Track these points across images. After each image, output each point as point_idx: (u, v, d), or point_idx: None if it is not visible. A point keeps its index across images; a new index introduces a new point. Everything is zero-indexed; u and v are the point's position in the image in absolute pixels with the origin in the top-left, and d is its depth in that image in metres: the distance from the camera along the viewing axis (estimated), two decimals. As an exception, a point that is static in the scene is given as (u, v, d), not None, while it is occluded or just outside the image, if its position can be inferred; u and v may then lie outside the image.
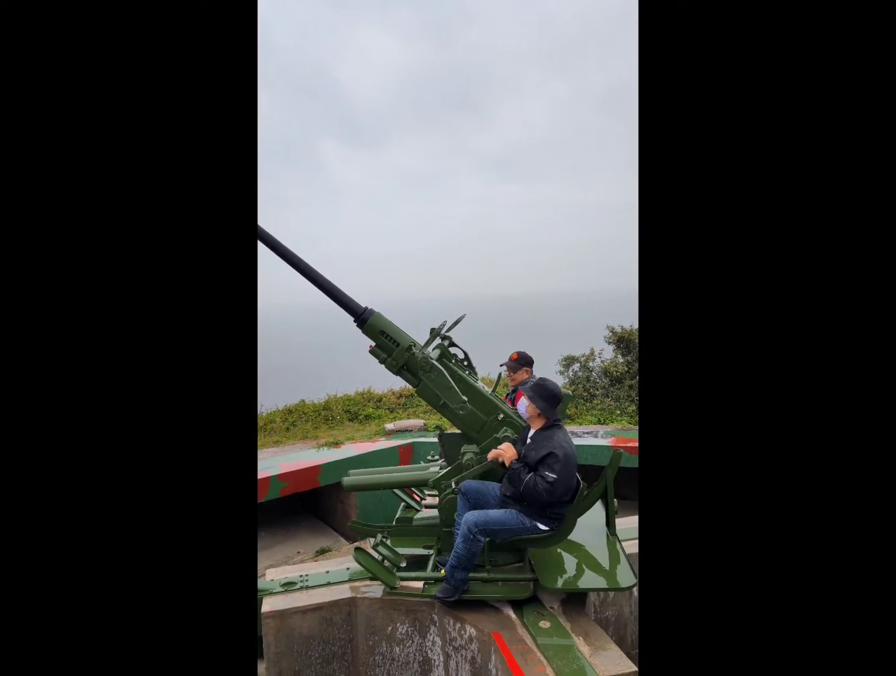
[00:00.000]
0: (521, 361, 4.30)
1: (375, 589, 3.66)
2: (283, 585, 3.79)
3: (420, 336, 3.85)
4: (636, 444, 5.78)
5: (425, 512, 4.34)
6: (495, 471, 3.47)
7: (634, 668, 2.83)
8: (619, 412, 9.08)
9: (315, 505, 7.32)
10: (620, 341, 10.65)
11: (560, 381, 10.37)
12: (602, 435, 7.38)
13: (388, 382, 10.59)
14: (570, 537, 3.46)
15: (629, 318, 10.00)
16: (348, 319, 3.89)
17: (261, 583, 3.84)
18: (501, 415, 3.62)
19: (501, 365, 4.41)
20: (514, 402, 4.05)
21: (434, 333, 3.78)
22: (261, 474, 6.17)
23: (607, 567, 3.49)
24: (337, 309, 3.88)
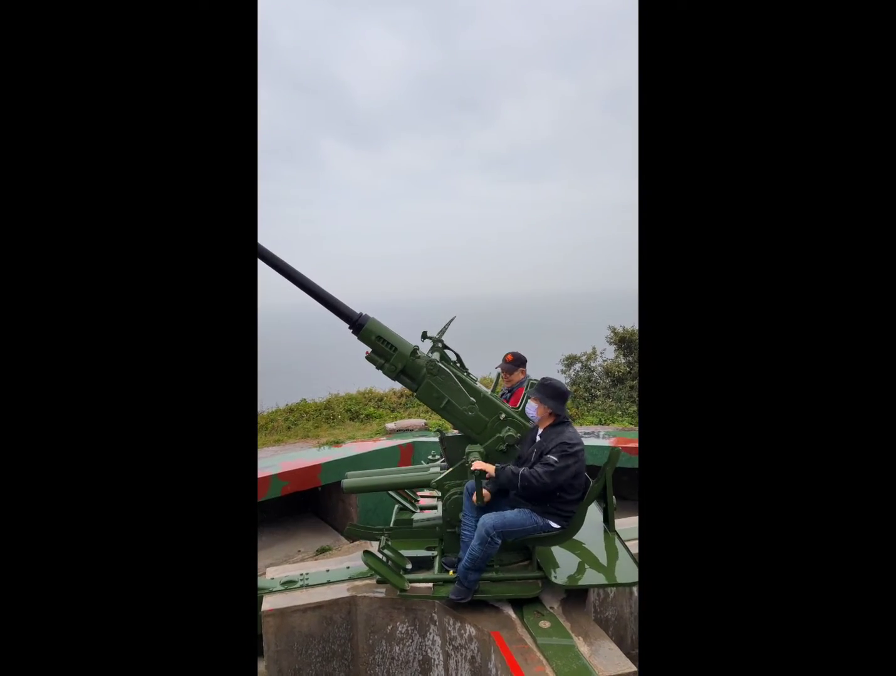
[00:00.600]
0: (517, 362, 4.42)
1: (376, 589, 3.67)
2: (284, 584, 3.79)
3: (413, 337, 3.85)
4: (637, 445, 5.77)
5: (424, 513, 4.35)
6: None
7: (634, 668, 2.83)
8: (620, 412, 9.07)
9: (316, 504, 7.32)
10: (622, 341, 10.64)
11: (562, 380, 10.34)
12: (603, 435, 7.37)
13: (390, 382, 10.58)
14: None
15: (631, 319, 9.99)
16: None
17: (261, 582, 3.84)
18: (503, 415, 3.63)
19: (497, 368, 4.51)
20: (510, 402, 4.10)
21: (435, 339, 3.80)
22: (262, 473, 6.18)
23: (614, 564, 3.54)
24: None
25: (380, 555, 3.59)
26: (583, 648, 3.00)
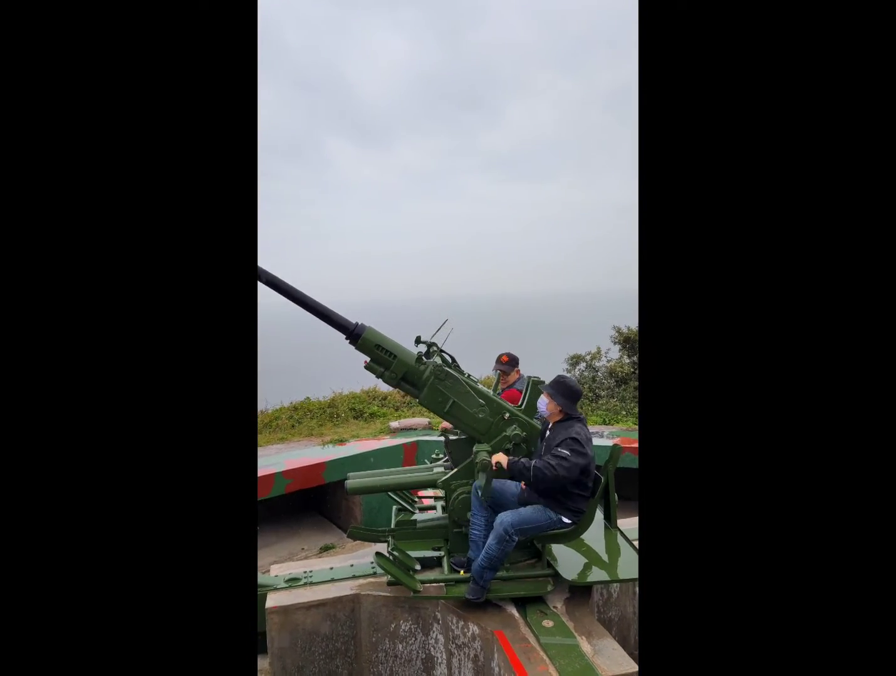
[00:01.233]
0: (512, 362, 4.53)
1: (380, 587, 3.67)
2: (288, 581, 3.80)
3: (413, 336, 3.85)
4: (641, 445, 5.74)
5: (427, 514, 4.35)
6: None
7: (637, 668, 2.83)
8: (624, 413, 9.06)
9: (320, 502, 7.33)
10: (626, 342, 10.63)
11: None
12: (607, 435, 7.37)
13: (393, 381, 10.58)
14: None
15: (636, 319, 9.95)
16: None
17: (265, 579, 3.85)
18: (507, 415, 3.63)
19: (494, 369, 4.58)
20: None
21: (431, 344, 3.81)
22: (266, 471, 6.20)
23: (618, 560, 3.56)
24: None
25: (390, 557, 3.60)
26: (586, 647, 3.00)
